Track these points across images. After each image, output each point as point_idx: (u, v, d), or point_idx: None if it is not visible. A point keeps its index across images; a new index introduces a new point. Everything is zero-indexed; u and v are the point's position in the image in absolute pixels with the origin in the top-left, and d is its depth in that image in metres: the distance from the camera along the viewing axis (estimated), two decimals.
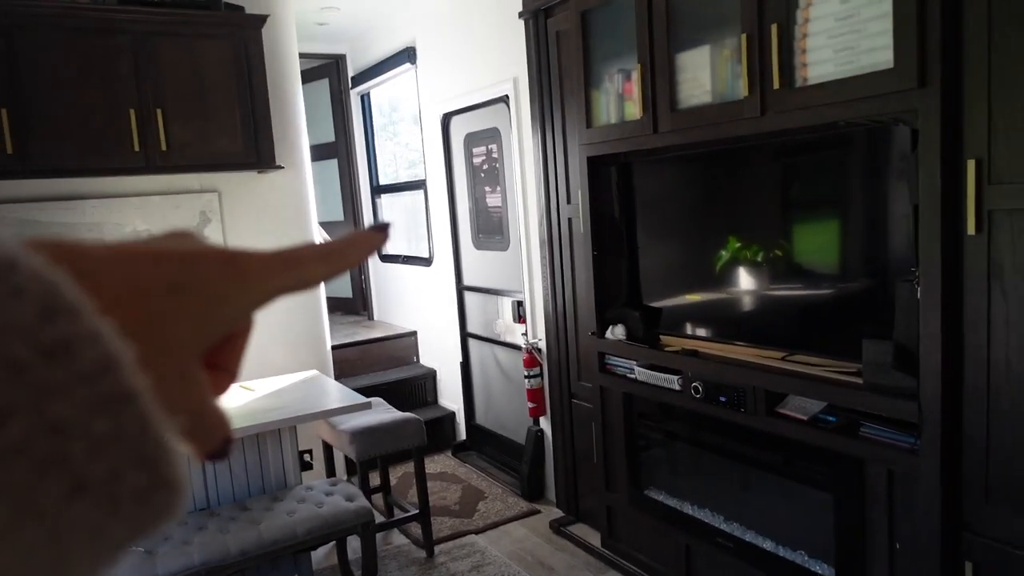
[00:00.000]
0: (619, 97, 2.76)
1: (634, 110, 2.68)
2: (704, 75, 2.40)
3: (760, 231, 2.48)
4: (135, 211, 3.48)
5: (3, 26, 2.93)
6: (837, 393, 2.15)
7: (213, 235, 3.65)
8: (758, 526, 2.51)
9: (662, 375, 2.73)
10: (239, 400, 2.93)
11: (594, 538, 3.31)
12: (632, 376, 2.91)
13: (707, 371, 2.53)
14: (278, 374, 3.60)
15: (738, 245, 2.53)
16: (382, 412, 3.39)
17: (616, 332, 3.00)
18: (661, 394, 2.75)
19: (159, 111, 3.21)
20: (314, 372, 3.39)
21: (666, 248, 2.89)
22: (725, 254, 2.60)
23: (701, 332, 2.73)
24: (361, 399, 2.83)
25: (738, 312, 2.62)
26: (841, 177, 2.23)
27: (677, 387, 2.67)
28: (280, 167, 3.58)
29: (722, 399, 2.47)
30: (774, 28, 2.09)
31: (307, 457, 3.96)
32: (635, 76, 2.63)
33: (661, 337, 2.87)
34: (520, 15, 3.34)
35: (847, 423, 2.17)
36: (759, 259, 2.49)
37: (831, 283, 2.33)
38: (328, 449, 3.55)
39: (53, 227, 3.30)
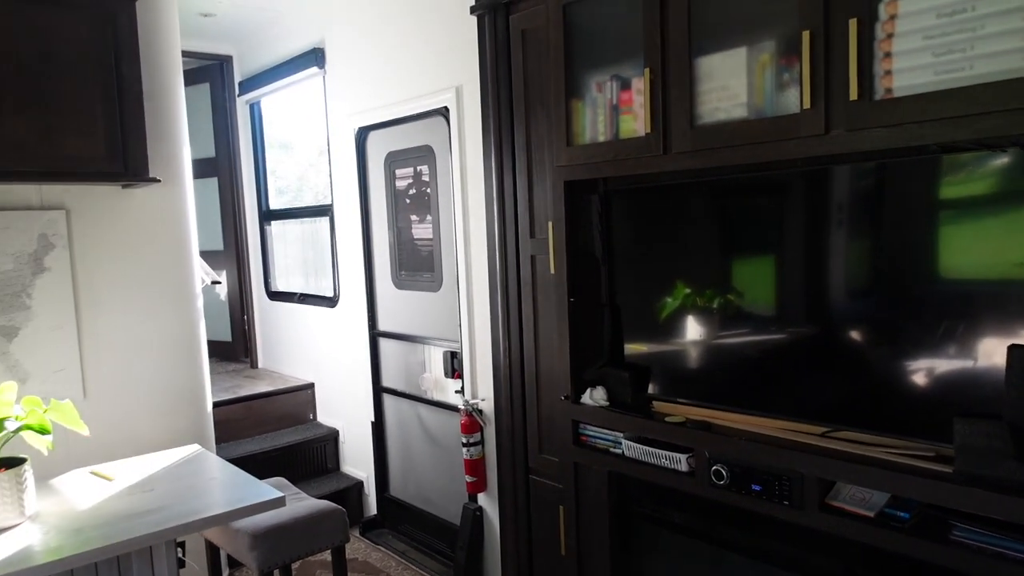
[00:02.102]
0: (612, 109, 2.25)
1: (634, 125, 2.18)
2: (738, 83, 1.93)
3: (800, 272, 2.03)
4: None
5: None
6: (915, 485, 1.70)
7: (57, 265, 2.76)
8: None
9: (663, 452, 2.20)
10: (93, 497, 2.10)
11: None
12: (618, 451, 2.36)
13: (731, 451, 2.03)
14: (144, 450, 2.75)
15: (756, 291, 2.08)
16: (291, 500, 2.62)
17: (595, 396, 2.44)
18: (662, 476, 2.21)
19: None
20: (196, 448, 2.59)
21: (661, 294, 2.38)
22: (737, 300, 2.13)
23: (705, 398, 2.23)
24: (272, 492, 2.09)
25: (759, 373, 2.14)
26: (914, 209, 1.81)
27: (685, 468, 2.14)
28: (155, 180, 2.76)
29: (756, 487, 1.96)
30: (853, 24, 1.65)
31: (179, 552, 3.08)
32: (638, 84, 2.13)
33: (654, 403, 2.35)
34: (472, 10, 2.78)
35: (924, 522, 1.73)
36: (787, 308, 2.04)
37: (898, 342, 1.89)
38: (212, 547, 2.72)
39: None
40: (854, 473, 1.80)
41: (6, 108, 2.39)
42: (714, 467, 2.05)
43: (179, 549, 3.07)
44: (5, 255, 2.67)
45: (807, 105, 1.75)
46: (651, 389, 2.35)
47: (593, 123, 2.33)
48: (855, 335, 1.93)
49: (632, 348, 2.42)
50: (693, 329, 2.24)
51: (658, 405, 2.33)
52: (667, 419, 2.23)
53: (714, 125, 1.98)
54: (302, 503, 2.60)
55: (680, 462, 2.15)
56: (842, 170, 1.85)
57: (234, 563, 3.41)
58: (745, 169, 1.99)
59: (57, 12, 2.50)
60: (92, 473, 2.31)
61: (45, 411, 1.98)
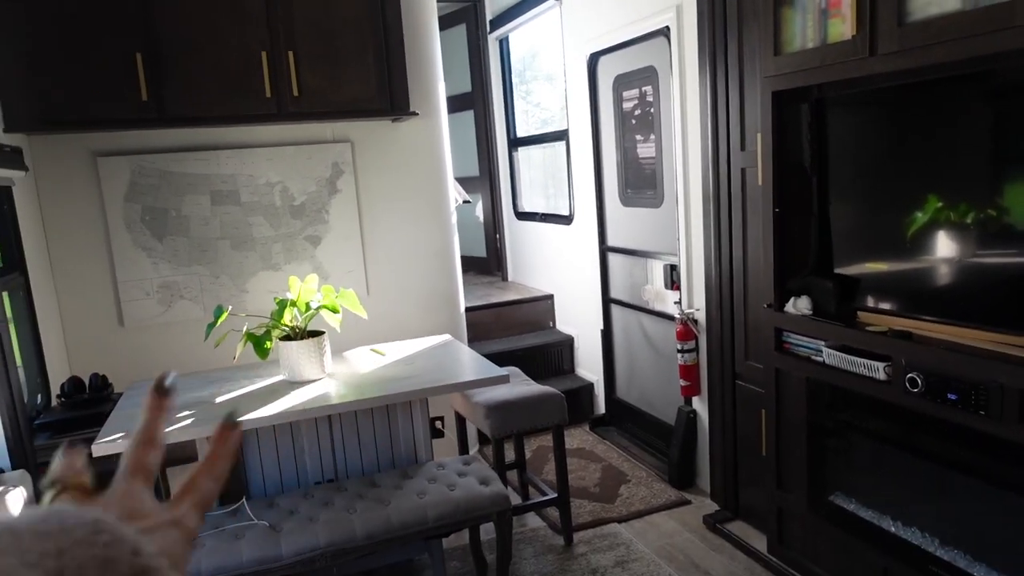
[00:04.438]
0: (822, 14, 2.22)
1: (842, 28, 2.13)
2: None
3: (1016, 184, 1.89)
4: (267, 162, 3.33)
5: None
6: None
7: (346, 187, 3.45)
8: (990, 558, 1.98)
9: (861, 360, 2.22)
10: (369, 365, 2.71)
11: (758, 541, 2.86)
12: (819, 359, 2.41)
13: (929, 360, 2.00)
14: (408, 337, 3.38)
15: (968, 204, 1.96)
16: (520, 384, 3.08)
17: (799, 305, 2.50)
18: (859, 383, 2.24)
19: (290, 54, 3.00)
20: (447, 337, 3.13)
21: (869, 205, 2.33)
22: (952, 214, 2.03)
23: (913, 309, 2.18)
24: (499, 371, 2.52)
25: (968, 286, 2.05)
26: None
27: (883, 376, 2.15)
28: (415, 114, 3.30)
29: (951, 396, 1.94)
30: None
31: (438, 424, 3.75)
32: None
33: (859, 314, 2.35)
34: None
35: None
36: (1003, 220, 1.91)
37: None
38: (460, 419, 3.31)
39: (189, 178, 3.21)
40: None
41: (307, 64, 3.03)
42: (909, 375, 2.04)
43: (438, 422, 3.76)
44: (310, 179, 3.41)
45: None
46: (859, 300, 2.34)
47: (802, 30, 2.31)
48: None
49: (842, 258, 2.41)
50: (901, 242, 2.19)
51: (863, 316, 2.33)
52: (868, 328, 2.24)
53: (924, 21, 1.89)
54: (529, 387, 3.04)
55: (878, 370, 2.16)
56: None
57: (483, 440, 4.04)
58: (959, 66, 1.88)
59: None
60: (371, 350, 2.95)
61: (336, 296, 2.60)
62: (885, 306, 2.26)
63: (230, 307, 2.60)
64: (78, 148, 3.07)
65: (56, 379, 2.81)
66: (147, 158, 3.15)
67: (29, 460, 2.17)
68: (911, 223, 2.12)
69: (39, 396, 2.74)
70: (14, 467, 2.13)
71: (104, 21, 2.75)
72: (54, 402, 2.73)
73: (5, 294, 2.46)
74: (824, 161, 2.41)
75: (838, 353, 2.31)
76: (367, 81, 3.13)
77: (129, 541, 0.32)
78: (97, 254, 3.14)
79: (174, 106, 2.88)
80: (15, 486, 2.00)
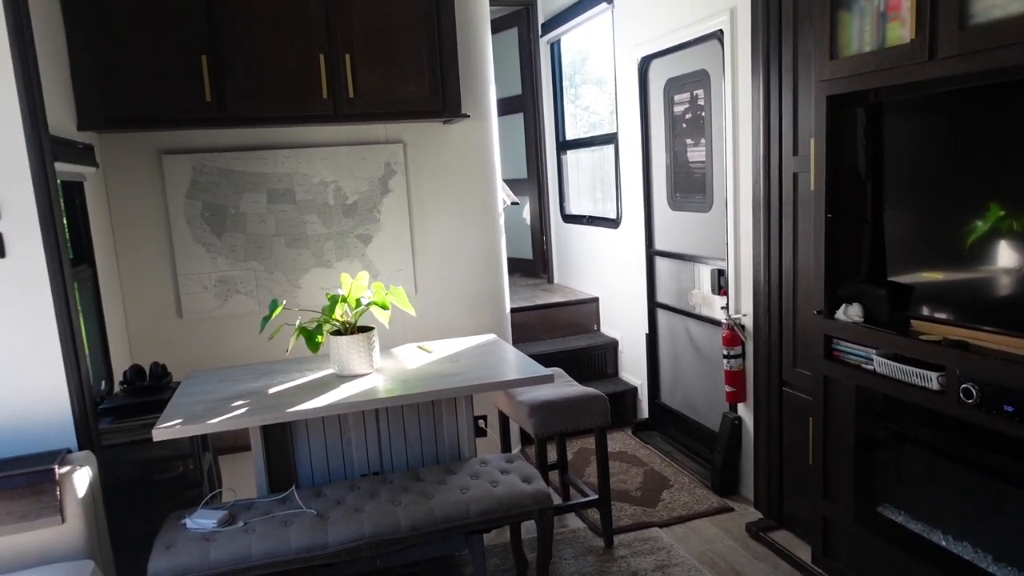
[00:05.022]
0: (880, 17, 2.19)
1: (901, 32, 2.10)
2: None
3: None
4: (322, 162, 3.42)
5: None
6: None
7: (397, 187, 3.52)
8: None
9: (914, 370, 2.18)
10: (416, 362, 2.76)
11: (802, 551, 2.82)
12: (869, 367, 2.37)
13: (985, 370, 1.95)
14: (455, 335, 3.43)
15: None
16: (563, 385, 3.10)
17: (850, 312, 2.46)
18: (910, 393, 2.20)
19: (347, 56, 3.08)
20: (492, 336, 3.17)
21: (926, 213, 2.28)
22: (1015, 223, 1.97)
23: (969, 319, 2.12)
24: (543, 371, 2.55)
25: None
26: None
27: (936, 386, 2.10)
28: (466, 116, 3.35)
29: (1008, 409, 1.89)
30: None
31: (481, 423, 3.80)
32: None
33: (912, 322, 2.30)
34: None
35: None
36: None
37: None
38: (503, 418, 3.34)
39: (248, 176, 3.32)
40: None
41: (364, 66, 3.11)
42: (963, 385, 2.00)
43: (481, 420, 3.80)
44: (363, 179, 3.49)
45: None
46: (912, 308, 2.29)
47: (860, 33, 2.28)
48: None
49: (896, 265, 2.36)
50: (957, 250, 2.14)
51: (916, 324, 2.28)
52: (922, 337, 2.19)
53: (986, 25, 1.85)
54: (573, 388, 3.06)
55: (931, 380, 2.12)
56: None
57: (525, 441, 4.07)
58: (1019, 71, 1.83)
59: None
60: (418, 347, 3.01)
61: (386, 293, 2.66)
62: (940, 315, 2.21)
63: (284, 301, 2.68)
64: (144, 146, 3.21)
65: (119, 366, 2.93)
66: (208, 156, 3.27)
67: (94, 441, 2.28)
68: (971, 232, 2.07)
69: (103, 382, 2.87)
70: (80, 447, 2.24)
71: (172, 25, 2.87)
72: (116, 388, 2.86)
73: (75, 285, 2.58)
74: (879, 166, 2.37)
75: (890, 362, 2.27)
76: (421, 83, 3.19)
77: None
78: (159, 248, 3.27)
79: (235, 106, 2.98)
80: (81, 465, 2.11)
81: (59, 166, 2.35)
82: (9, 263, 2.15)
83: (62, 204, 2.38)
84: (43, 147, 2.17)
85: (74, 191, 2.76)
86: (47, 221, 2.17)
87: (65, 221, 2.39)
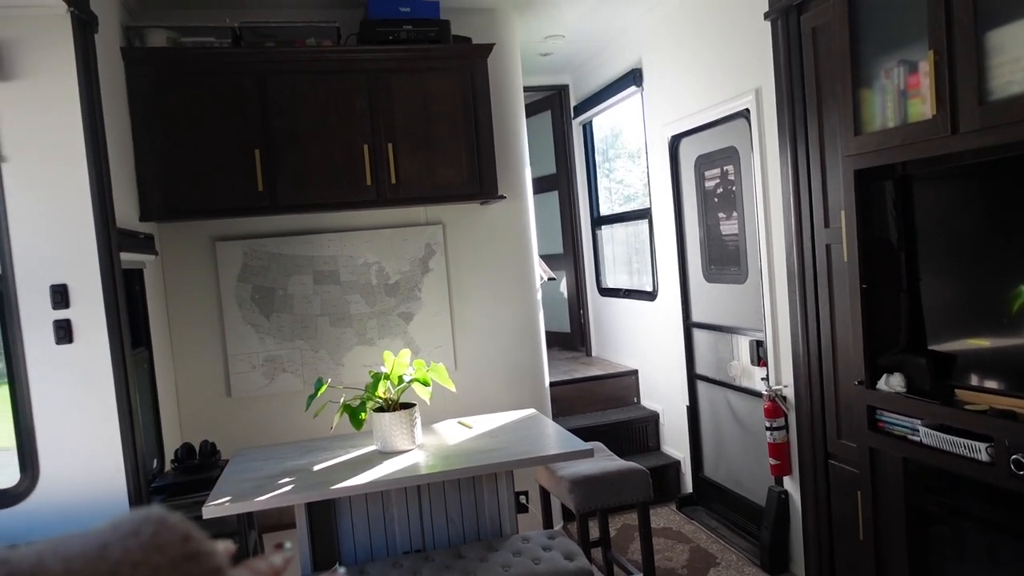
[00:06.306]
0: (900, 95, 2.26)
1: (922, 108, 2.17)
2: None
3: None
4: (366, 244, 3.57)
5: (260, 73, 3.14)
6: None
7: (437, 267, 3.64)
8: None
9: (961, 440, 2.14)
10: (457, 438, 2.80)
11: None
12: (915, 438, 2.33)
13: None
14: (494, 410, 3.47)
15: None
16: (604, 459, 3.09)
17: (892, 383, 2.44)
18: (960, 464, 2.15)
19: (390, 145, 3.26)
20: (532, 411, 3.20)
21: (964, 280, 2.29)
22: None
23: (1017, 388, 2.09)
24: (583, 445, 2.56)
25: None
26: None
27: (985, 458, 2.06)
28: (502, 197, 3.49)
29: None
30: None
31: (523, 499, 3.77)
32: (924, 67, 2.13)
33: (956, 391, 2.27)
34: (766, 16, 2.95)
35: None
36: None
37: None
38: (545, 493, 3.32)
39: (296, 259, 3.47)
40: None
41: (405, 152, 3.29)
42: (1014, 456, 1.95)
43: (523, 496, 3.77)
44: (404, 259, 3.62)
45: None
46: (955, 377, 2.27)
47: (881, 110, 2.35)
48: None
49: (936, 334, 2.35)
50: (996, 318, 2.13)
51: (961, 394, 2.25)
52: (967, 407, 2.16)
53: (1006, 100, 1.91)
54: (613, 462, 3.04)
55: (979, 451, 2.08)
56: None
57: (567, 517, 4.01)
58: None
59: (434, 75, 3.34)
60: (458, 423, 3.05)
61: (427, 370, 2.73)
62: (985, 384, 2.18)
63: (329, 379, 2.76)
64: (199, 233, 3.40)
65: (170, 444, 3.03)
66: (259, 242, 3.45)
67: None
68: (1015, 297, 2.07)
69: (155, 460, 2.96)
70: None
71: (228, 123, 3.09)
72: (168, 466, 2.94)
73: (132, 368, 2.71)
74: (911, 236, 2.40)
75: (936, 432, 2.24)
76: (459, 168, 3.35)
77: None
78: (211, 329, 3.42)
79: (285, 195, 3.16)
80: None
81: (123, 255, 2.52)
82: (75, 348, 2.29)
83: (124, 291, 2.54)
84: (111, 239, 2.34)
85: (135, 277, 2.93)
86: (112, 309, 2.31)
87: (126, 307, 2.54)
